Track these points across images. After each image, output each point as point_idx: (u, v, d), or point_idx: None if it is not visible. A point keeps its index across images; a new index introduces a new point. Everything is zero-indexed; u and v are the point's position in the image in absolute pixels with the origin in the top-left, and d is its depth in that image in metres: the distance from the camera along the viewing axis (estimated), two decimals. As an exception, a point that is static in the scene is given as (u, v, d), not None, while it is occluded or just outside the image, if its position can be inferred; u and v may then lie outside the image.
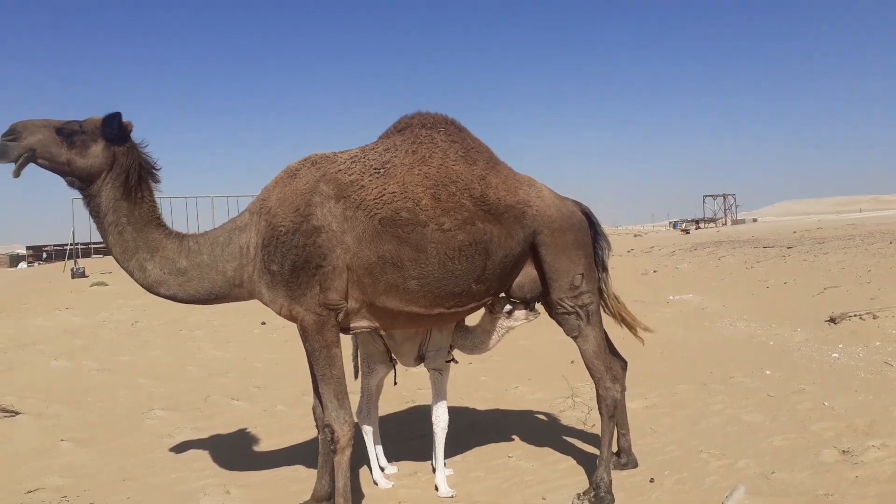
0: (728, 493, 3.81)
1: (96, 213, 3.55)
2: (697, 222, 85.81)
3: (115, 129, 3.46)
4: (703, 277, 15.80)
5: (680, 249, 26.53)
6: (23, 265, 49.21)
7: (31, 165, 3.42)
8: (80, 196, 3.55)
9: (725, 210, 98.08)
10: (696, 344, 8.42)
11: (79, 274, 26.27)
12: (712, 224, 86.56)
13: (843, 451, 4.34)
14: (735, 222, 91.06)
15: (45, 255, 53.24)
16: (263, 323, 11.93)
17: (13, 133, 3.34)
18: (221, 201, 36.50)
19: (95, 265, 31.76)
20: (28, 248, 59.23)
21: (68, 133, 3.41)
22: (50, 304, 16.62)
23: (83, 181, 3.49)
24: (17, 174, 3.35)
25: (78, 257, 32.73)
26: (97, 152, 3.46)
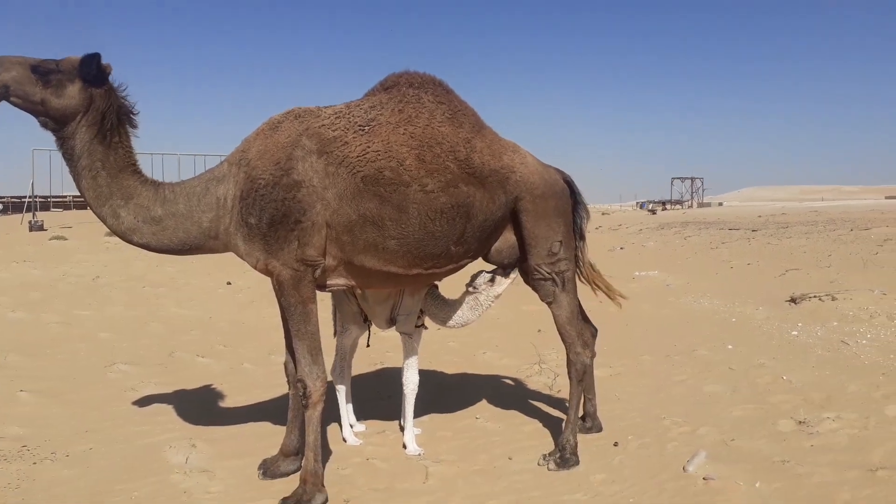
0: (689, 458, 3.91)
1: (69, 157, 3.43)
2: (664, 203, 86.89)
3: (93, 70, 3.34)
4: (668, 256, 16.05)
5: (647, 228, 26.87)
6: (-22, 216, 47.73)
7: (3, 104, 3.29)
8: (54, 139, 3.42)
9: (692, 193, 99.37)
10: (661, 318, 8.58)
11: (37, 227, 25.61)
12: (679, 206, 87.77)
13: (800, 422, 4.49)
14: (701, 205, 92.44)
15: (1, 206, 51.68)
16: (229, 283, 11.80)
17: None
18: (188, 160, 35.79)
19: (54, 219, 30.96)
20: (-16, 199, 57.43)
21: (44, 71, 3.28)
22: (7, 257, 16.17)
23: (57, 122, 3.37)
24: (-13, 111, 3.22)
25: (37, 210, 31.86)
26: (73, 93, 3.33)
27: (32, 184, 31.60)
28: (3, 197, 53.11)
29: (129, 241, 3.60)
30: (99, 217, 3.57)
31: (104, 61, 3.37)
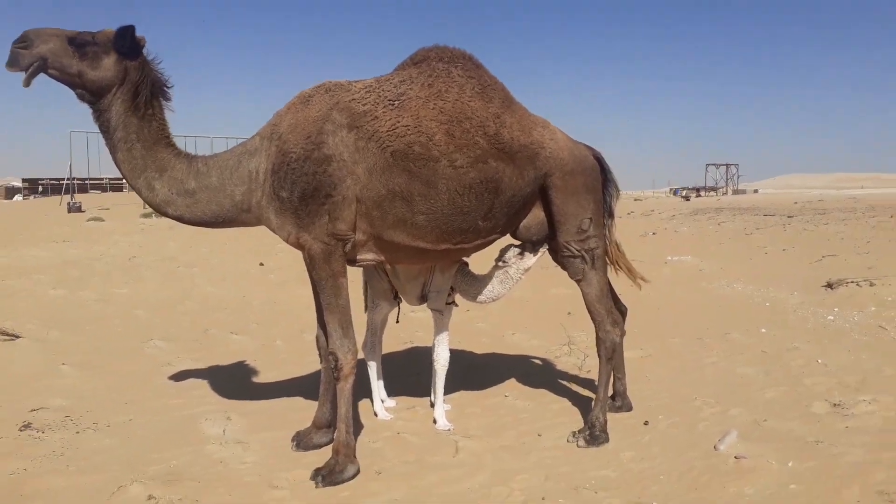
0: (720, 437, 3.89)
1: (105, 129, 3.51)
2: (698, 190, 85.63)
3: (127, 43, 3.40)
4: (701, 241, 15.83)
5: (680, 214, 26.53)
6: (18, 197, 48.97)
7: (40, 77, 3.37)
8: (90, 112, 3.50)
9: (727, 179, 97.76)
10: (693, 302, 8.49)
11: (75, 208, 26.24)
12: (713, 192, 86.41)
13: (834, 405, 4.42)
14: (736, 192, 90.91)
15: (41, 188, 52.92)
16: (261, 264, 11.96)
17: (25, 41, 3.28)
18: (220, 142, 36.30)
19: (92, 200, 31.64)
20: (24, 180, 58.86)
21: (80, 44, 3.35)
22: (46, 237, 16.62)
23: (93, 94, 3.44)
24: (27, 83, 3.30)
25: (74, 192, 32.58)
26: (108, 65, 3.40)
27: (70, 166, 32.34)
28: (42, 179, 54.41)
29: (164, 213, 3.68)
30: (134, 188, 3.65)
31: (138, 34, 3.43)
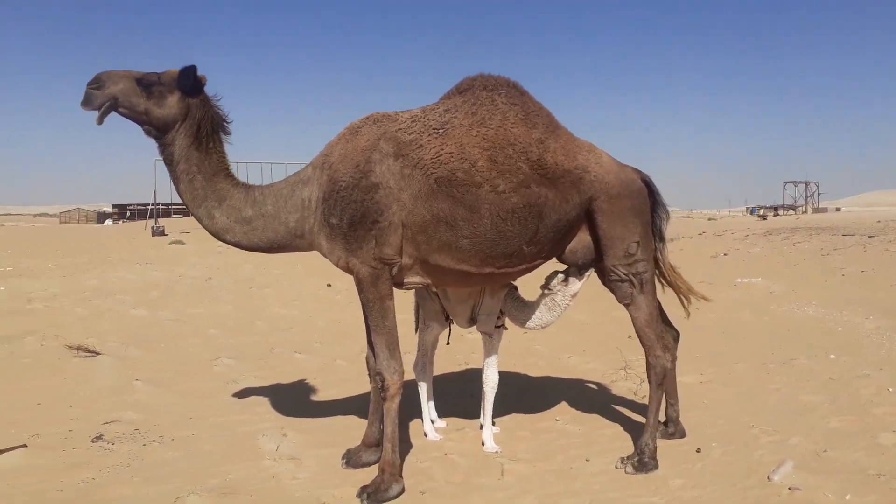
0: (775, 467, 3.77)
1: (169, 161, 3.77)
2: (776, 209, 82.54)
3: (190, 82, 3.66)
4: (774, 262, 15.29)
5: (754, 234, 25.64)
6: (108, 222, 51.89)
7: (114, 115, 3.66)
8: (156, 146, 3.78)
9: (807, 197, 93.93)
10: (760, 326, 8.22)
11: (158, 232, 27.59)
12: (792, 211, 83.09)
13: (903, 436, 4.22)
14: (816, 210, 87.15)
15: (128, 213, 55.97)
16: (329, 285, 12.30)
17: (98, 82, 3.58)
18: (279, 167, 37.55)
19: (175, 225, 33.19)
20: (114, 206, 62.40)
21: (147, 84, 3.63)
22: (131, 259, 17.57)
23: (159, 130, 3.71)
24: (100, 121, 3.60)
25: (158, 217, 34.28)
26: (173, 103, 3.66)
27: (155, 192, 34.02)
28: (130, 205, 57.49)
29: (223, 240, 3.90)
30: (195, 217, 3.90)
31: (200, 73, 3.69)
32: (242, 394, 5.59)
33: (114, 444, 4.43)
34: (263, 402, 5.38)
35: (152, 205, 34.81)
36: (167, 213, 44.20)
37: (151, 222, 31.87)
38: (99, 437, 4.50)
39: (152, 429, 4.75)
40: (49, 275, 14.02)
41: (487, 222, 3.71)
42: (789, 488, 3.56)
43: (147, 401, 5.44)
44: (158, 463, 4.13)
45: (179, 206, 51.07)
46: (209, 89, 3.80)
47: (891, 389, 5.23)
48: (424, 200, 3.67)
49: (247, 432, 4.67)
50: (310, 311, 10.04)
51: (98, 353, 6.85)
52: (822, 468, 3.81)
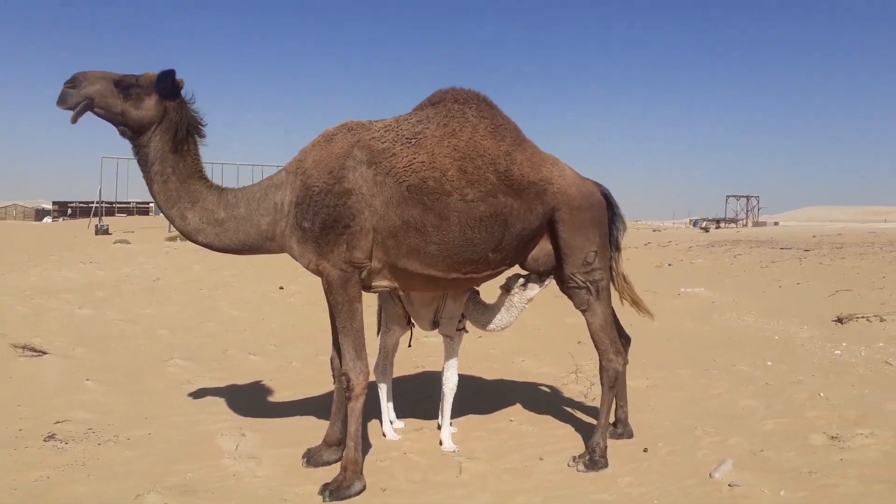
0: (716, 466, 4.00)
1: (144, 163, 3.79)
2: (718, 221, 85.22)
3: (168, 85, 3.70)
4: (716, 273, 15.85)
5: (697, 246, 26.48)
6: (48, 219, 50.12)
7: (88, 114, 3.67)
8: (131, 147, 3.80)
9: (748, 211, 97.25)
10: (702, 334, 8.57)
11: (102, 231, 26.87)
12: (733, 224, 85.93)
13: (832, 437, 4.51)
14: (756, 224, 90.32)
15: (70, 210, 54.17)
16: (281, 287, 12.23)
17: (74, 82, 3.59)
18: (247, 169, 37.06)
19: (119, 223, 32.35)
20: (54, 203, 60.29)
21: (125, 86, 3.65)
22: (75, 258, 17.08)
23: (134, 132, 3.73)
24: (74, 120, 3.60)
25: (102, 215, 33.32)
26: (150, 105, 3.69)
27: (100, 190, 33.10)
28: (72, 202, 55.68)
29: (195, 241, 3.94)
30: (168, 218, 3.92)
31: (178, 76, 3.73)
32: (198, 394, 5.58)
33: (67, 443, 4.38)
34: (219, 402, 5.38)
35: (97, 202, 33.82)
36: (111, 212, 42.94)
37: (95, 220, 30.96)
38: (51, 437, 4.45)
39: (106, 428, 4.71)
40: (-14, 273, 13.54)
41: (456, 229, 3.84)
42: (729, 485, 3.78)
43: (99, 400, 5.38)
44: (115, 462, 4.12)
45: (124, 205, 49.75)
46: (187, 92, 3.85)
47: (822, 394, 5.56)
48: (396, 207, 3.78)
49: (204, 432, 4.68)
50: (263, 313, 9.99)
51: (45, 353, 6.72)
52: (758, 466, 4.06)
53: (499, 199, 3.94)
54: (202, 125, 3.92)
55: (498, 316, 4.65)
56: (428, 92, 4.27)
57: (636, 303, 4.85)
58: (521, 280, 4.51)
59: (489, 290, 4.71)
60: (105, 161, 33.68)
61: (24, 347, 6.76)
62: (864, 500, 3.56)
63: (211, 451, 4.32)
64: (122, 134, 3.76)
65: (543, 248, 4.33)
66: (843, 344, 7.52)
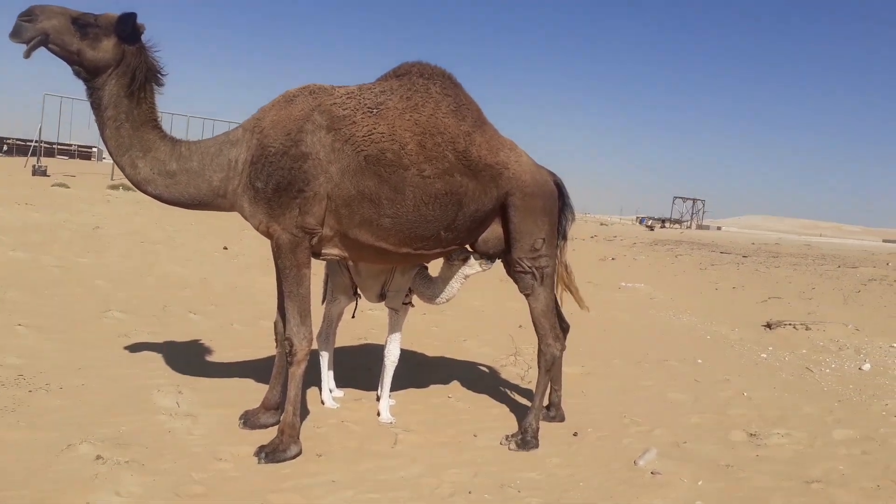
0: (641, 453, 4.18)
1: (97, 106, 3.67)
2: (664, 221, 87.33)
3: (128, 28, 3.59)
4: (657, 271, 16.33)
5: (641, 243, 27.17)
6: (-19, 155, 47.80)
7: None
8: (84, 88, 3.67)
9: (693, 214, 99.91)
10: (638, 328, 8.85)
11: (40, 172, 25.77)
12: (677, 225, 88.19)
13: (751, 434, 4.76)
14: (700, 227, 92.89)
15: (5, 147, 51.76)
16: (225, 248, 12.04)
17: (30, 15, 3.44)
18: (197, 122, 36.06)
19: (58, 166, 31.08)
20: (-11, 138, 57.48)
21: (83, 24, 3.52)
22: (9, 197, 16.35)
23: (89, 73, 3.61)
24: (27, 55, 3.46)
25: (41, 155, 31.95)
26: (108, 47, 3.57)
27: (40, 129, 31.69)
28: (9, 139, 53.21)
29: (144, 191, 3.85)
30: (118, 165, 3.82)
31: (139, 21, 3.62)
32: (134, 348, 5.48)
33: (-4, 387, 4.27)
34: (157, 358, 5.30)
35: (36, 141, 32.37)
36: (51, 153, 41.27)
37: (33, 160, 29.66)
38: (-21, 380, 4.33)
39: (38, 376, 4.61)
40: (-88, 205, 12.90)
41: (410, 204, 3.87)
42: (652, 472, 3.97)
43: (31, 346, 5.25)
44: (46, 410, 4.04)
45: (65, 147, 47.84)
46: (148, 38, 3.73)
47: (745, 394, 5.84)
48: (352, 176, 3.78)
49: (139, 386, 4.62)
50: (204, 272, 9.82)
51: (-26, 294, 6.48)
52: (680, 457, 4.26)
53: (455, 178, 3.98)
54: (161, 73, 3.82)
55: (442, 289, 4.70)
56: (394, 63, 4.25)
57: (575, 292, 4.97)
58: (464, 255, 4.53)
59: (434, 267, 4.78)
60: (48, 98, 32.23)
61: (-49, 286, 6.51)
62: (774, 495, 3.79)
63: (146, 406, 4.28)
64: (77, 74, 3.63)
65: (494, 230, 4.40)
66: (770, 348, 7.88)
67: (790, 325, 8.91)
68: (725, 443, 4.61)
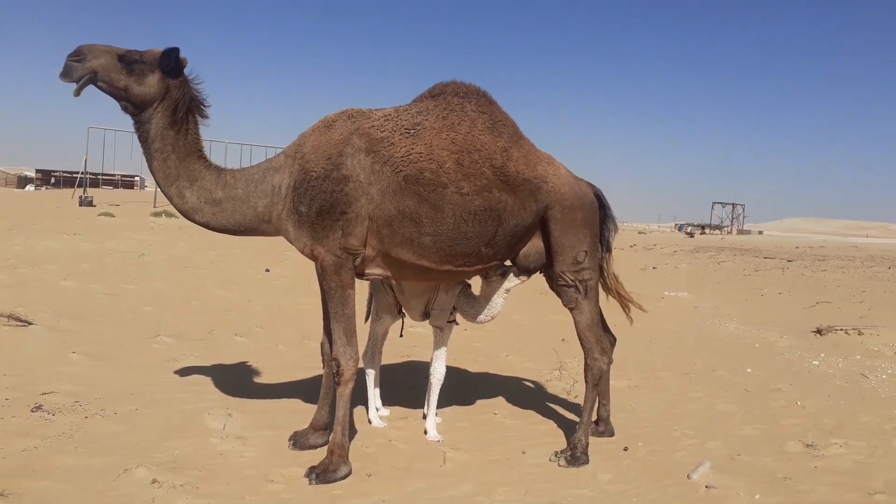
0: (694, 467, 4.10)
1: (144, 139, 3.80)
2: (703, 227, 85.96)
3: (171, 63, 3.71)
4: (700, 279, 16.06)
5: (682, 250, 26.76)
6: (30, 187, 49.49)
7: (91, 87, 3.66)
8: (132, 122, 3.80)
9: (733, 219, 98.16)
10: (685, 338, 8.71)
11: (87, 202, 26.56)
12: (717, 231, 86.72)
13: (807, 445, 4.63)
14: (741, 232, 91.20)
15: (53, 179, 53.53)
16: (267, 270, 12.23)
17: (79, 55, 3.58)
18: (235, 148, 36.82)
19: (103, 196, 32.05)
20: (37, 171, 59.52)
21: (129, 61, 3.65)
22: (58, 228, 16.89)
23: (136, 107, 3.74)
24: (77, 93, 3.60)
25: (87, 186, 32.94)
26: (153, 82, 3.70)
27: (86, 160, 32.68)
28: (56, 171, 55.02)
29: (191, 219, 3.95)
30: (166, 195, 3.93)
31: (182, 55, 3.73)
32: (184, 372, 5.59)
33: (54, 414, 4.39)
34: (206, 381, 5.39)
35: (82, 173, 33.39)
36: (95, 184, 42.51)
37: (80, 191, 30.60)
38: (38, 407, 4.44)
39: (93, 402, 4.71)
40: (-31, 238, 13.40)
41: (450, 222, 3.89)
42: (706, 486, 3.88)
43: (85, 373, 5.38)
44: (102, 435, 4.13)
45: (109, 177, 49.26)
46: (190, 71, 3.85)
47: (799, 403, 5.69)
48: (392, 196, 3.82)
49: (191, 410, 4.70)
50: (248, 294, 9.99)
51: (30, 323, 6.68)
52: (735, 470, 4.16)
53: (493, 194, 3.99)
54: (204, 105, 3.93)
55: (485, 307, 4.71)
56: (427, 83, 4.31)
57: (628, 300, 4.92)
58: (501, 270, 4.53)
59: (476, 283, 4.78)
60: (92, 131, 33.26)
61: (9, 317, 6.72)
62: (835, 508, 3.68)
63: (198, 430, 4.35)
64: (124, 109, 3.76)
65: (535, 245, 4.39)
66: (822, 355, 7.68)
67: (841, 330, 8.67)
68: (781, 454, 4.49)
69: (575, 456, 4.21)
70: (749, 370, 6.91)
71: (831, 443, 4.66)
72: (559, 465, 4.19)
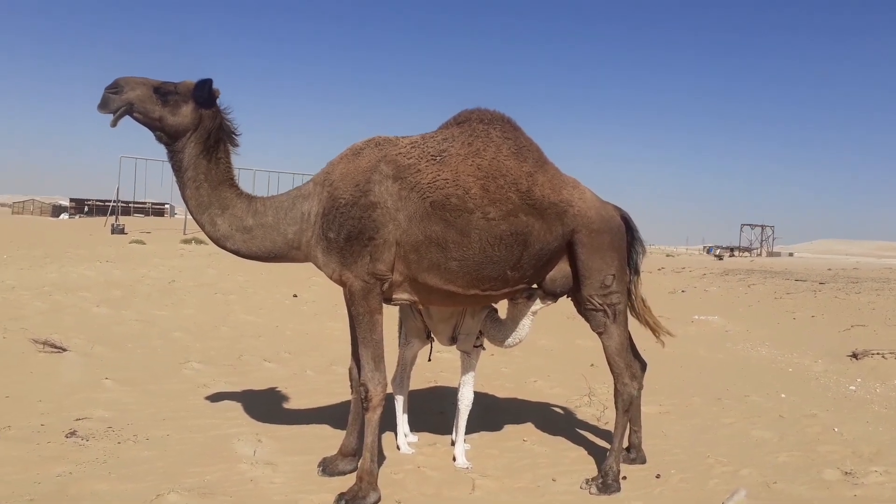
0: (729, 496, 4.01)
1: (177, 168, 3.90)
2: (732, 250, 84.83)
3: (205, 94, 3.81)
4: (730, 302, 15.83)
5: (711, 273, 26.41)
6: (64, 216, 50.68)
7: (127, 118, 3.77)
8: (166, 151, 3.90)
9: (762, 241, 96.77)
10: (716, 362, 8.57)
11: (118, 230, 27.10)
12: (747, 253, 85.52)
13: (846, 473, 4.51)
14: (771, 254, 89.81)
15: (86, 208, 54.78)
16: (295, 296, 12.33)
17: (116, 87, 3.71)
18: (263, 175, 37.43)
19: (134, 223, 32.67)
20: (71, 200, 61.04)
21: (164, 92, 3.77)
22: (91, 256, 17.26)
23: (170, 137, 3.85)
24: (114, 124, 3.71)
25: (119, 214, 33.64)
26: (187, 112, 3.81)
27: (118, 189, 33.44)
28: (89, 200, 56.32)
29: (223, 247, 4.02)
30: (198, 223, 4.01)
31: (215, 86, 3.84)
32: (214, 398, 5.64)
33: (88, 440, 4.45)
34: (236, 407, 5.44)
35: (114, 201, 34.15)
36: (127, 212, 43.39)
37: (112, 219, 31.25)
38: (73, 433, 4.51)
39: (125, 427, 4.78)
40: (4, 266, 13.71)
41: (476, 246, 3.91)
42: (742, 515, 3.80)
43: (118, 399, 5.45)
44: (134, 461, 4.18)
45: (140, 205, 50.26)
46: (222, 101, 3.95)
47: (836, 429, 5.55)
48: (419, 222, 3.86)
49: (221, 436, 4.74)
50: (276, 319, 10.07)
51: (64, 349, 6.80)
52: (770, 498, 4.07)
53: (519, 219, 4.00)
54: (236, 134, 4.03)
55: (512, 331, 4.69)
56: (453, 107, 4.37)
57: (656, 325, 4.88)
58: (527, 293, 4.52)
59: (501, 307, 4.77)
60: (123, 160, 34.06)
61: (44, 343, 6.85)
62: (877, 538, 3.57)
63: (228, 455, 4.38)
64: (159, 139, 3.87)
65: (561, 269, 4.38)
66: (858, 380, 7.50)
67: (878, 353, 8.46)
68: (819, 482, 4.38)
69: (606, 483, 4.15)
70: (783, 395, 6.78)
71: (871, 470, 4.53)
72: (590, 493, 4.13)
